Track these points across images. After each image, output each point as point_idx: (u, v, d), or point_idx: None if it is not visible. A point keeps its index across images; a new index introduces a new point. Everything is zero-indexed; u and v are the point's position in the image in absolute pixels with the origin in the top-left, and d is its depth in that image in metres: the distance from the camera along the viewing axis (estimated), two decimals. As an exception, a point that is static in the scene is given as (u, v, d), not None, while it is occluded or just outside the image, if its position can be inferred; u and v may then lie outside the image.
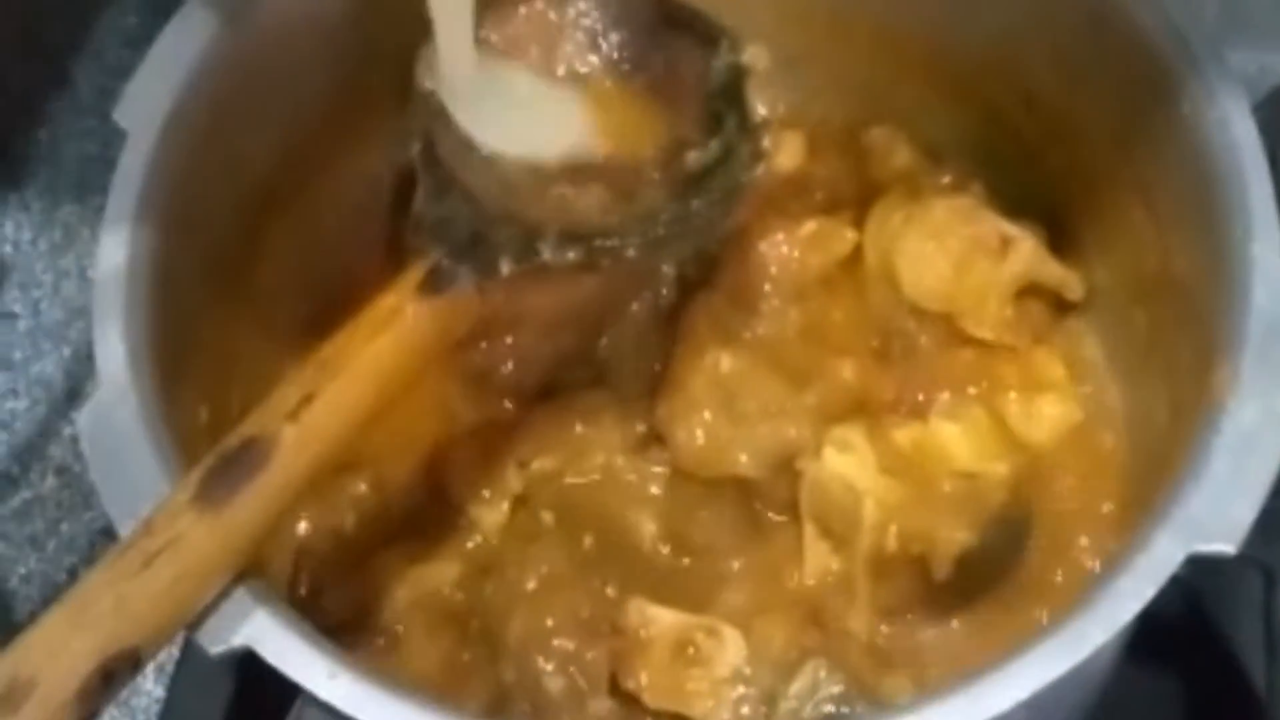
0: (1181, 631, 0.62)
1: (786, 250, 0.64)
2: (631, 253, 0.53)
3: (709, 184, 0.55)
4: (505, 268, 0.52)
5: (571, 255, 0.52)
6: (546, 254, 0.51)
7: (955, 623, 0.58)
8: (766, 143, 0.57)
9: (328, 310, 0.65)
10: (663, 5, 0.59)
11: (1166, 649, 0.60)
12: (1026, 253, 0.63)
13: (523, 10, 0.57)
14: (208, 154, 0.57)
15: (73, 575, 0.70)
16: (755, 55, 0.57)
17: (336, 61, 0.62)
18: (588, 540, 0.60)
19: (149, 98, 0.55)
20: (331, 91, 0.63)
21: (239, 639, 0.46)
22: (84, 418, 0.50)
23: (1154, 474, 0.53)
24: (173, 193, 0.55)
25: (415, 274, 0.52)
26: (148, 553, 0.45)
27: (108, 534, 0.69)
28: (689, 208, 0.55)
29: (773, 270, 0.64)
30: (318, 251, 0.66)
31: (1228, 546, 0.46)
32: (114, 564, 0.45)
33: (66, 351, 0.77)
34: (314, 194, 0.65)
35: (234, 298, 0.60)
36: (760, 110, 0.57)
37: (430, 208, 0.53)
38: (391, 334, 0.51)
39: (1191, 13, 0.56)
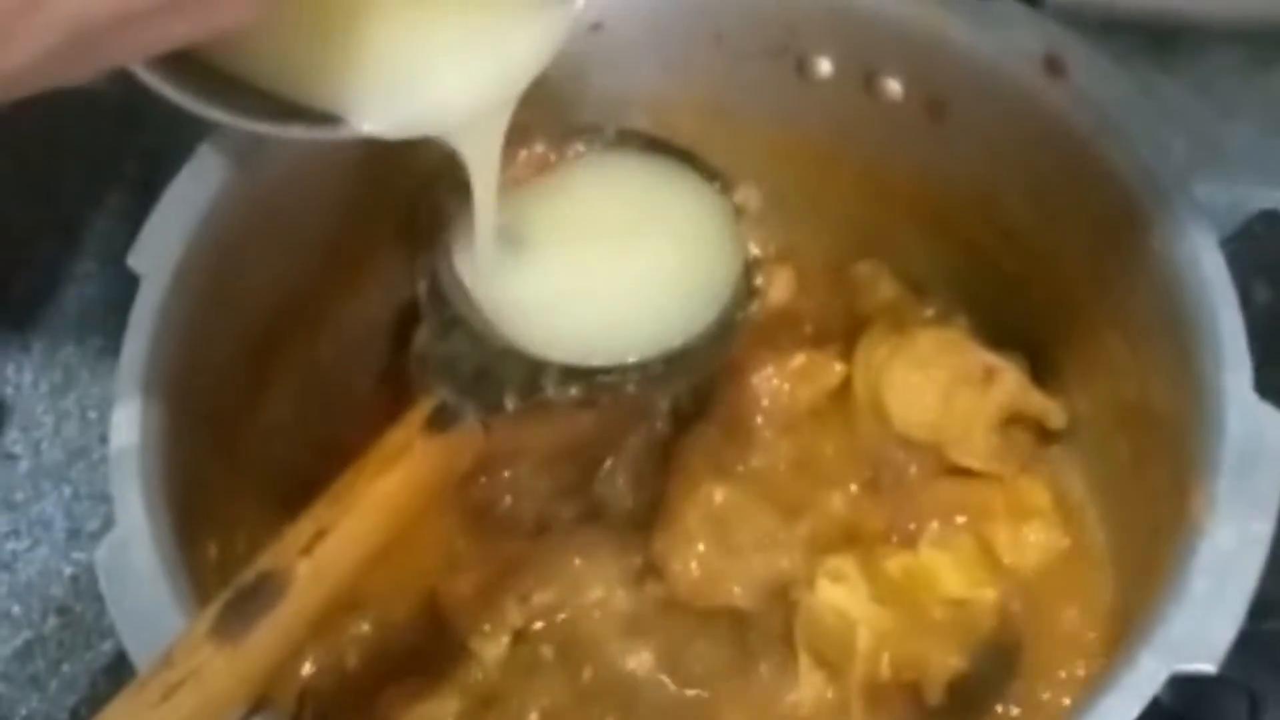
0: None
1: (777, 383, 0.65)
2: (631, 388, 0.55)
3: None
4: (510, 404, 0.53)
5: (574, 391, 0.53)
6: (550, 390, 0.53)
7: (949, 748, 0.59)
8: (760, 280, 0.58)
9: (328, 448, 0.67)
10: (656, 145, 0.61)
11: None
12: (1010, 383, 0.65)
13: (524, 153, 0.59)
14: (216, 298, 0.59)
15: (75, 715, 0.70)
16: (747, 195, 0.59)
17: (341, 205, 0.64)
18: (587, 672, 0.61)
19: (162, 243, 0.57)
20: (334, 235, 0.65)
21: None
22: (101, 552, 0.51)
23: (1137, 596, 0.54)
24: (184, 337, 0.56)
25: (421, 411, 0.53)
26: (168, 685, 0.46)
27: (109, 673, 0.70)
28: (687, 345, 0.56)
29: (764, 403, 0.65)
30: (319, 391, 0.67)
31: (1208, 665, 0.47)
32: (134, 697, 0.46)
33: (67, 492, 0.77)
34: (315, 335, 0.66)
35: (239, 437, 0.62)
36: (753, 249, 0.59)
37: (434, 346, 0.55)
38: (400, 471, 0.52)
39: (1160, 151, 0.58)
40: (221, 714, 0.47)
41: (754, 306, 0.58)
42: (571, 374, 0.54)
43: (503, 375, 0.54)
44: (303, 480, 0.66)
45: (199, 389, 0.58)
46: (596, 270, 0.57)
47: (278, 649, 0.48)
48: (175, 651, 0.47)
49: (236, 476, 0.62)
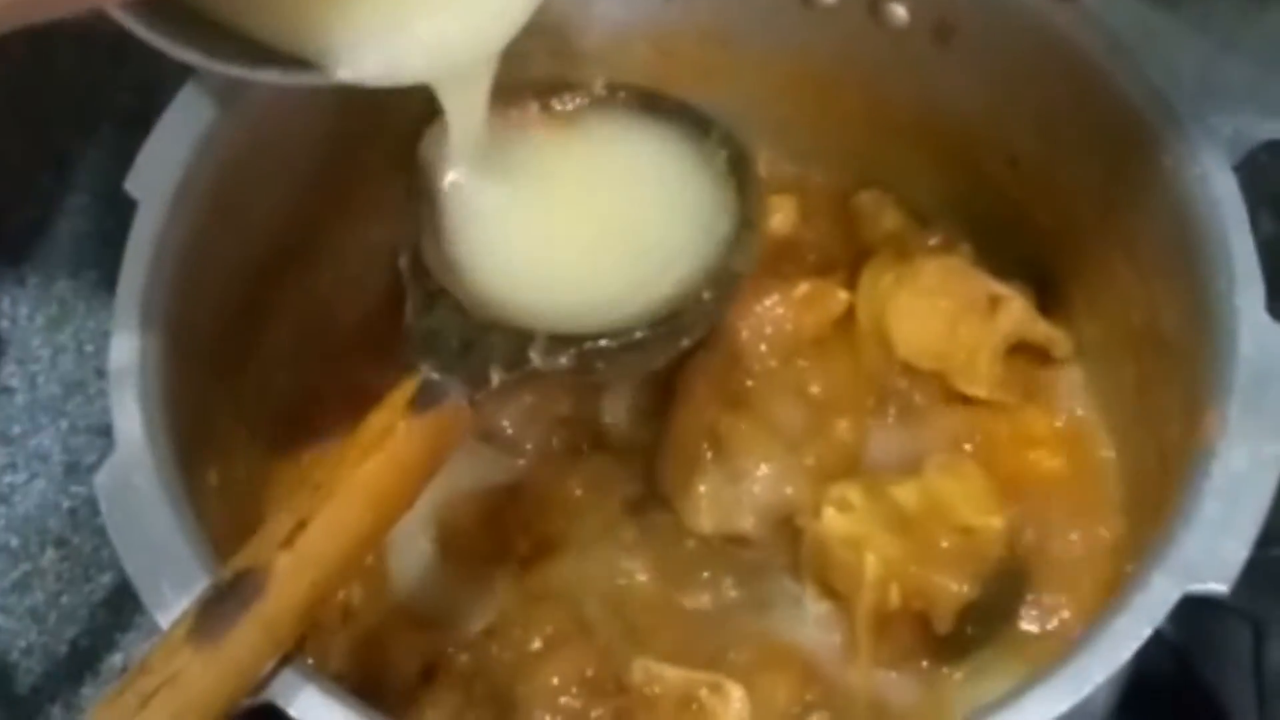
0: (1171, 689, 0.62)
1: (781, 311, 0.65)
2: (622, 356, 0.53)
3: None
4: (496, 378, 0.52)
5: (563, 361, 0.52)
6: (537, 361, 0.52)
7: (957, 673, 0.59)
8: (757, 237, 0.57)
9: (329, 378, 0.67)
10: (648, 99, 0.60)
11: (1157, 709, 0.60)
12: (1015, 311, 0.65)
13: (514, 112, 0.58)
14: (214, 225, 0.58)
15: (74, 647, 0.70)
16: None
17: (336, 135, 0.63)
18: (591, 600, 0.61)
19: (159, 168, 0.56)
20: (330, 164, 0.64)
21: (263, 694, 0.46)
22: (101, 477, 0.50)
23: (1146, 519, 0.54)
24: (182, 262, 0.56)
25: (404, 392, 0.51)
26: (145, 692, 0.44)
27: (108, 606, 0.70)
28: (678, 307, 0.54)
29: (768, 330, 0.65)
30: (318, 320, 0.67)
31: (1221, 585, 0.47)
32: (112, 706, 0.44)
33: (64, 425, 0.77)
34: (315, 263, 0.66)
35: (239, 365, 0.61)
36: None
37: (419, 319, 0.53)
38: (384, 454, 0.50)
39: (1171, 72, 0.58)
40: (205, 716, 0.45)
41: (748, 260, 0.56)
42: (559, 343, 0.52)
43: (488, 348, 0.52)
44: (303, 409, 0.66)
45: (198, 316, 0.57)
46: (578, 232, 0.56)
47: (260, 646, 0.46)
48: (152, 658, 0.45)
49: (236, 404, 0.61)
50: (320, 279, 0.67)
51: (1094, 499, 0.62)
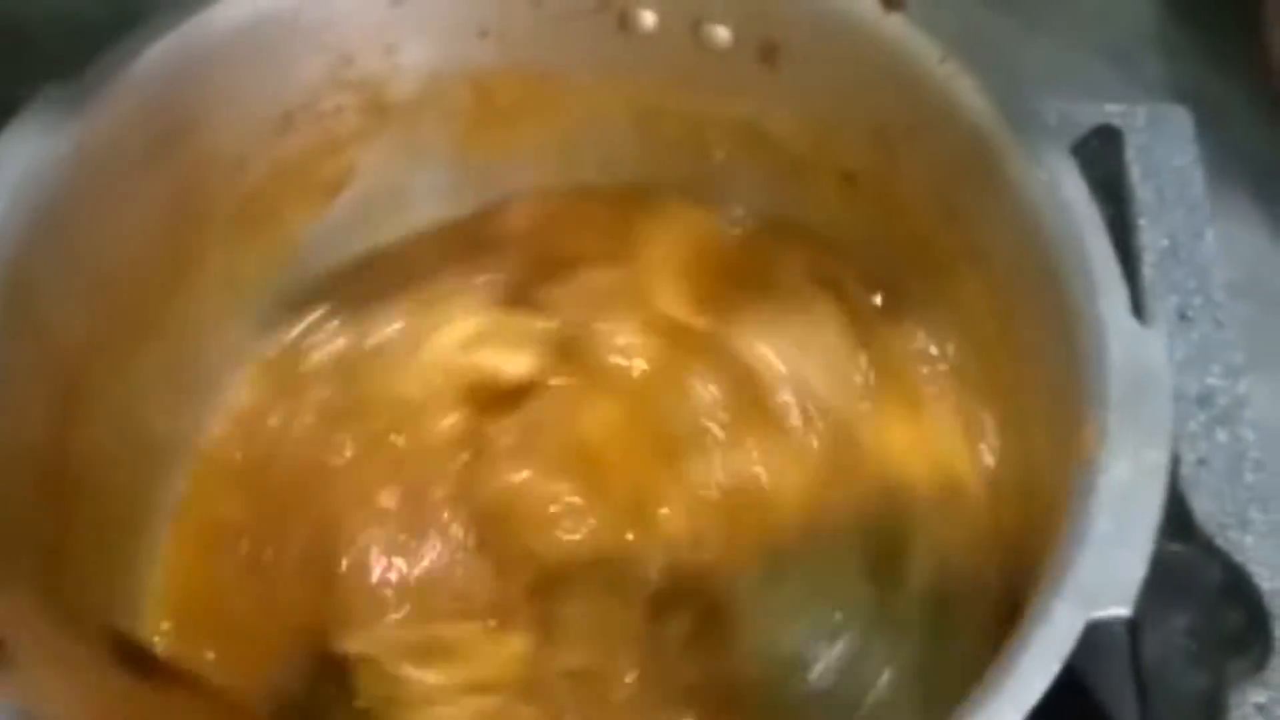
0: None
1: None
2: None
3: None
4: None
5: None
6: None
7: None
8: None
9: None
10: None
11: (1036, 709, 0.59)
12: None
13: None
14: (11, 328, 0.53)
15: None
16: None
17: (171, 174, 0.59)
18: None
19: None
20: (165, 213, 0.60)
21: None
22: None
23: (1034, 543, 0.52)
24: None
25: None
26: None
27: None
28: None
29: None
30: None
31: (1122, 609, 0.45)
32: None
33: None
34: (139, 344, 0.61)
35: (62, 469, 0.57)
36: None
37: None
38: None
39: (1007, 75, 0.56)
40: None
41: None
42: None
43: None
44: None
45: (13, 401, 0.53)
46: None
47: None
48: None
49: (58, 518, 0.56)
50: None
51: (965, 514, 0.61)
